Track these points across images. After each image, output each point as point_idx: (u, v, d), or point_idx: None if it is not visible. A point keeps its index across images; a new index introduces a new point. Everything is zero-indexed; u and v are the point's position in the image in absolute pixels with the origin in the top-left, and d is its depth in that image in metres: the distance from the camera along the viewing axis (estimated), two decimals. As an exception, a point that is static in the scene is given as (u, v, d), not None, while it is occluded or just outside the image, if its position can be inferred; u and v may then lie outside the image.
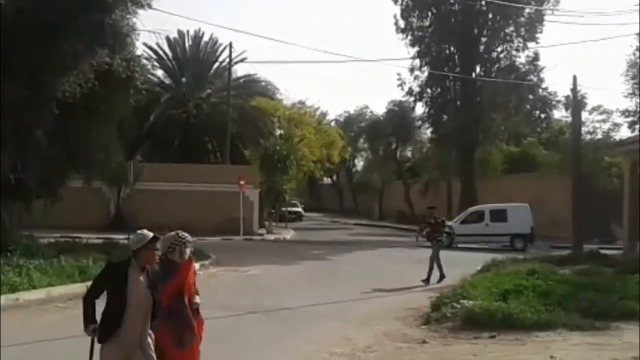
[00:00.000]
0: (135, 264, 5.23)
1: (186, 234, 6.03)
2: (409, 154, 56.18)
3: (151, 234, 5.26)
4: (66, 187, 19.40)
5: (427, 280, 16.21)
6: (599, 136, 33.78)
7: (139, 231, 5.32)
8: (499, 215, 28.92)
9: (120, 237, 21.20)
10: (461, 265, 18.46)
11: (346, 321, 11.15)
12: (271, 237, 33.00)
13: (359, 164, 64.77)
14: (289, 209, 44.77)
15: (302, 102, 45.41)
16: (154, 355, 5.26)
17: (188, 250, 5.99)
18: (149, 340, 5.29)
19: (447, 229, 18.74)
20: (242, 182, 30.82)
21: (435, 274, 16.55)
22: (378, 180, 55.35)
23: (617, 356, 8.14)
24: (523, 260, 17.55)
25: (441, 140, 40.98)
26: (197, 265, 17.95)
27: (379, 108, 71.96)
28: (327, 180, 67.34)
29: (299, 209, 52.77)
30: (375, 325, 10.82)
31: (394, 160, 53.97)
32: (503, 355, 8.44)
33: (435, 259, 16.66)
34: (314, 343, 9.42)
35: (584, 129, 30.67)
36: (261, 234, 32.99)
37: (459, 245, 26.75)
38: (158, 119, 37.58)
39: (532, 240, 28.52)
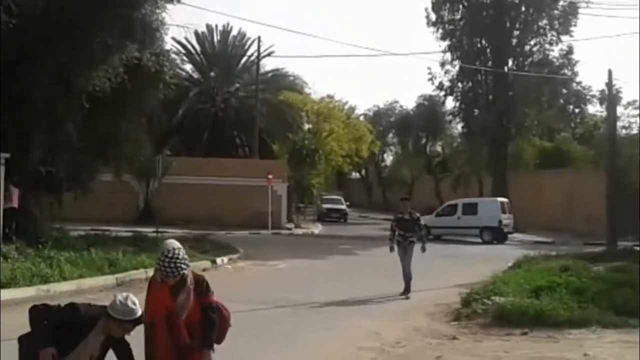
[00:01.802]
0: (100, 327, 4.37)
1: (172, 250, 4.63)
2: (439, 148, 55.68)
3: (137, 315, 4.37)
4: (96, 181, 19.58)
5: (408, 292, 13.33)
6: (635, 131, 32.98)
7: (130, 302, 4.36)
8: (470, 209, 29.61)
9: (148, 231, 21.36)
10: (492, 261, 18.23)
11: (375, 316, 11.03)
12: (299, 231, 32.98)
13: (388, 158, 64.39)
14: (329, 206, 42.32)
15: (330, 97, 45.24)
16: None
17: (170, 272, 4.57)
18: None
19: (422, 228, 14.33)
20: (270, 177, 30.83)
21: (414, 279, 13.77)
22: (407, 175, 54.94)
23: (654, 355, 7.87)
24: (556, 256, 17.20)
25: (472, 135, 40.44)
26: (225, 259, 18.45)
27: (408, 102, 71.37)
28: (355, 174, 67.04)
29: (343, 207, 44.26)
30: (405, 320, 10.69)
31: (423, 155, 53.53)
32: (535, 352, 8.25)
33: (409, 265, 13.50)
34: (343, 337, 9.33)
35: (619, 124, 29.98)
36: (289, 228, 32.99)
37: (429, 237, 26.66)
38: (186, 113, 37.83)
39: (500, 235, 28.69)
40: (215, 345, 4.90)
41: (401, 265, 13.53)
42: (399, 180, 55.21)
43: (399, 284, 14.85)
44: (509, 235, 29.71)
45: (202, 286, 4.73)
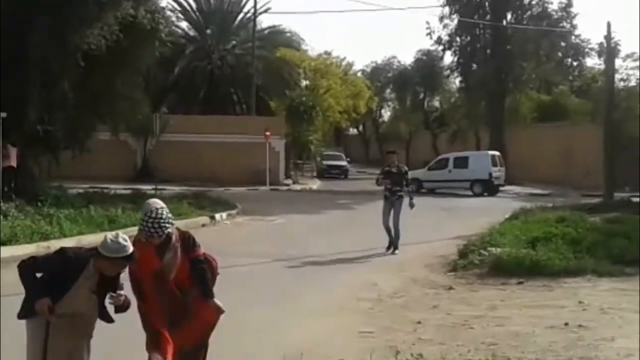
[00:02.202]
0: (91, 266, 4.19)
1: (155, 210, 4.53)
2: (437, 103, 55.52)
3: (129, 251, 4.12)
4: (93, 139, 19.56)
5: (392, 248, 12.82)
6: (633, 83, 32.83)
7: (121, 238, 4.13)
8: (461, 163, 29.93)
9: (147, 188, 21.42)
10: (489, 213, 18.37)
11: (373, 269, 11.17)
12: (297, 187, 33.09)
13: (386, 114, 64.24)
14: (329, 162, 41.80)
15: (328, 53, 44.84)
16: None
17: (155, 232, 4.49)
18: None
19: (409, 183, 13.60)
20: (268, 133, 30.79)
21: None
22: (405, 131, 54.86)
23: (648, 302, 8.01)
24: (552, 208, 17.34)
25: (470, 89, 40.26)
26: (224, 215, 18.57)
27: (407, 58, 70.93)
28: (353, 130, 66.97)
29: (344, 163, 43.76)
30: (402, 272, 10.82)
31: (421, 110, 53.38)
32: (530, 301, 8.38)
33: (398, 220, 12.90)
34: (341, 289, 9.47)
35: (617, 77, 29.87)
36: (287, 184, 33.10)
37: (422, 190, 28.48)
38: (183, 71, 37.52)
39: (491, 187, 28.99)
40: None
41: (382, 219, 12.89)
42: (397, 136, 55.13)
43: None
44: (500, 188, 29.99)
45: (188, 242, 4.63)
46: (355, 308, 8.38)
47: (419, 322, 7.46)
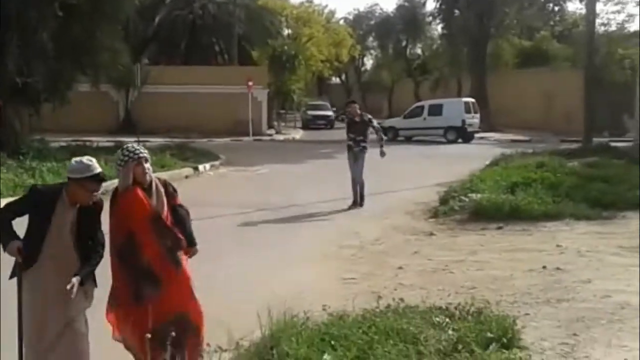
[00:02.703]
0: (65, 197, 4.04)
1: (132, 148, 4.32)
2: (419, 51, 55.18)
3: (96, 170, 3.96)
4: (74, 91, 19.33)
5: (357, 203, 12.23)
6: (613, 28, 32.76)
7: (85, 159, 4.03)
8: (436, 110, 29.95)
9: (130, 140, 21.28)
10: (470, 160, 18.52)
11: (355, 217, 11.30)
12: (280, 137, 33.04)
13: (368, 62, 63.87)
14: (314, 112, 40.90)
15: (310, 1, 44.26)
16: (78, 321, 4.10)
17: (143, 152, 4.30)
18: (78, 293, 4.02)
19: (378, 130, 12.85)
20: (250, 83, 30.53)
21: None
22: (387, 79, 54.65)
23: (624, 244, 8.22)
24: (532, 154, 17.51)
25: (452, 36, 40.02)
26: (207, 166, 18.56)
27: (389, 5, 70.04)
28: (335, 79, 66.50)
29: (330, 113, 42.35)
30: (384, 219, 10.96)
31: (403, 58, 53.00)
32: (510, 244, 8.55)
33: (361, 173, 12.32)
34: (323, 237, 9.58)
35: (597, 21, 29.56)
36: (270, 135, 33.03)
37: (399, 139, 29.42)
38: (163, 20, 36.77)
39: (465, 134, 29.21)
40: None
41: (350, 172, 12.37)
42: (379, 84, 54.98)
43: (378, 184, 15.05)
44: (476, 135, 30.24)
45: (169, 189, 4.49)
46: (337, 255, 8.51)
47: (400, 268, 7.62)
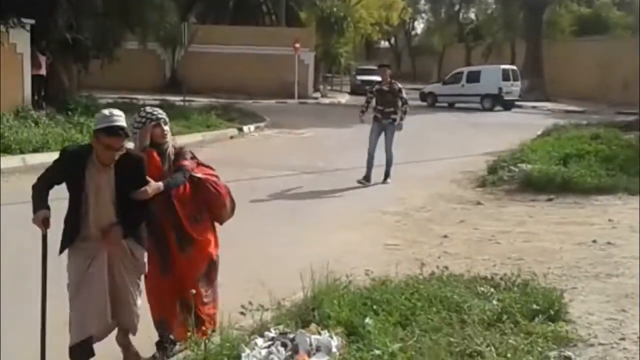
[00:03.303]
0: (94, 158, 3.69)
1: (150, 110, 4.16)
2: (472, 15, 53.76)
3: (114, 122, 3.58)
4: (122, 48, 19.45)
5: (368, 179, 11.01)
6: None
7: (107, 110, 3.71)
8: (474, 77, 29.65)
9: (175, 99, 21.41)
10: (520, 130, 18.05)
11: (400, 182, 11.10)
12: (326, 100, 32.79)
13: (419, 26, 62.57)
14: (364, 77, 38.46)
15: (360, -39, 43.23)
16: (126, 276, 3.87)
17: (160, 114, 4.12)
18: (128, 250, 3.86)
19: (405, 102, 11.27)
20: (297, 45, 30.28)
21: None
22: (438, 44, 53.56)
23: (679, 220, 7.88)
24: (586, 125, 16.96)
25: (508, 0, 38.78)
26: (252, 127, 18.55)
27: (442, -33, 67.95)
28: (384, 43, 65.51)
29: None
30: (430, 187, 10.75)
31: (456, 23, 51.81)
32: (559, 217, 8.29)
33: (390, 148, 11.22)
34: (367, 202, 9.48)
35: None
36: (316, 98, 32.80)
37: (437, 105, 29.73)
38: (212, -21, 36.64)
39: (501, 102, 28.69)
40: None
41: (369, 145, 11.18)
42: (429, 49, 53.95)
43: (423, 151, 14.81)
44: (515, 104, 29.68)
45: (182, 156, 4.16)
46: (381, 221, 8.40)
47: (445, 236, 7.46)
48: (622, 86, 29.96)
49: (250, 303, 4.37)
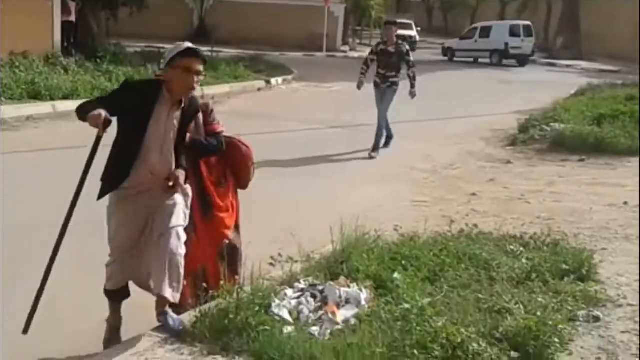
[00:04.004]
0: (165, 93, 3.39)
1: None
2: (508, -31, 52.15)
3: (189, 45, 3.46)
4: (151, -4, 19.31)
5: (375, 150, 9.71)
6: None
7: (177, 43, 3.54)
8: (486, 32, 30.47)
9: (204, 49, 21.20)
10: (553, 88, 17.71)
11: (428, 140, 10.99)
12: (355, 54, 32.35)
13: (453, -21, 60.88)
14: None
15: None
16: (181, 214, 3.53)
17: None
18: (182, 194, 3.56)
19: (412, 65, 9.84)
20: (327, -4, 29.82)
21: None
22: (473, -2, 52.18)
23: None
24: (621, 85, 16.56)
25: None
26: (279, 80, 18.40)
27: None
28: (416, -3, 64.13)
29: (413, 33, 37.14)
30: (458, 144, 10.66)
31: (491, -23, 50.32)
32: (591, 178, 8.17)
33: (384, 114, 9.99)
34: (395, 158, 9.42)
35: None
36: (344, 51, 32.39)
37: (455, 59, 30.43)
38: None
39: (508, 56, 29.25)
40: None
41: (378, 111, 10.01)
42: (463, 4, 52.56)
43: (451, 108, 14.60)
44: (530, 59, 30.09)
45: (206, 114, 3.83)
46: (409, 177, 8.36)
47: (473, 194, 7.42)
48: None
49: (279, 255, 4.40)
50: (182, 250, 3.43)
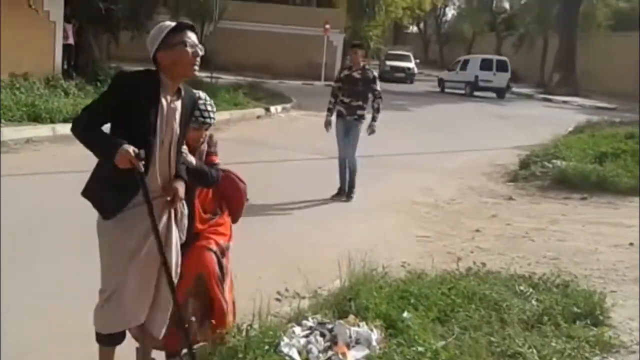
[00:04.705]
0: (165, 80, 2.99)
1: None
2: (506, 4, 52.85)
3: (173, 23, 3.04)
4: (154, 21, 19.36)
5: (343, 192, 8.70)
6: None
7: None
8: (464, 65, 32.39)
9: (203, 75, 21.32)
10: (550, 124, 17.78)
11: (429, 172, 10.95)
12: (353, 84, 32.51)
13: (450, 13, 61.74)
14: (393, 63, 37.30)
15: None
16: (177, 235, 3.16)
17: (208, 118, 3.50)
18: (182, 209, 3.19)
19: (378, 96, 8.64)
20: (327, 26, 30.02)
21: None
22: (469, 32, 52.81)
23: None
24: (620, 123, 16.63)
25: (543, -9, 38.09)
26: (279, 108, 18.42)
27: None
28: (413, 29, 64.86)
29: (411, 65, 37.52)
30: (459, 179, 10.61)
31: (488, 11, 50.99)
32: (594, 217, 8.12)
33: (353, 151, 8.70)
34: (396, 191, 9.35)
35: None
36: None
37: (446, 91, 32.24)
38: (244, -45, 36.34)
39: (475, 88, 30.94)
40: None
41: (338, 149, 8.76)
42: (459, 37, 53.21)
43: (449, 142, 14.61)
44: (508, 93, 31.75)
45: (213, 145, 3.60)
46: (411, 211, 8.28)
47: (477, 230, 7.35)
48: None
49: (286, 290, 4.31)
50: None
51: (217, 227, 3.60)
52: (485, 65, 31.11)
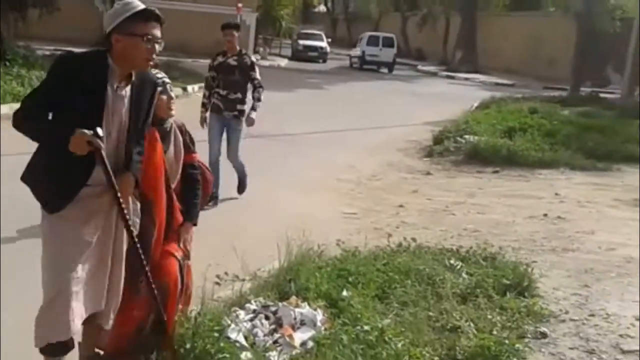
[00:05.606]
0: (113, 65, 2.74)
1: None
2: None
3: (140, 5, 2.78)
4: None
5: (216, 197, 6.88)
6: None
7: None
8: (358, 42, 35.16)
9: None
10: (456, 101, 18.39)
11: (348, 150, 11.07)
12: (265, 63, 32.23)
13: (357, -8, 62.07)
14: (306, 42, 37.12)
15: None
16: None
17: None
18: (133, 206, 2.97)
19: (258, 85, 7.36)
20: (240, 5, 29.55)
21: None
22: (375, 11, 53.42)
23: (620, 197, 8.23)
24: (523, 98, 17.38)
25: (444, -29, 39.06)
26: (195, 87, 18.04)
27: None
28: (321, 8, 64.93)
29: (324, 44, 37.67)
30: (378, 155, 10.81)
31: (393, -10, 51.74)
32: (508, 190, 8.50)
33: (236, 153, 7.38)
34: (320, 168, 9.40)
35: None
36: (255, 60, 32.12)
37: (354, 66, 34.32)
38: None
39: (363, 62, 33.51)
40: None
41: (210, 149, 7.14)
42: (366, 16, 53.74)
43: (369, 118, 14.83)
44: (395, 67, 33.63)
45: (185, 138, 3.37)
46: (336, 188, 8.36)
47: (400, 206, 7.52)
48: (548, 62, 30.94)
49: (225, 273, 4.26)
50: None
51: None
52: (372, 41, 33.55)
